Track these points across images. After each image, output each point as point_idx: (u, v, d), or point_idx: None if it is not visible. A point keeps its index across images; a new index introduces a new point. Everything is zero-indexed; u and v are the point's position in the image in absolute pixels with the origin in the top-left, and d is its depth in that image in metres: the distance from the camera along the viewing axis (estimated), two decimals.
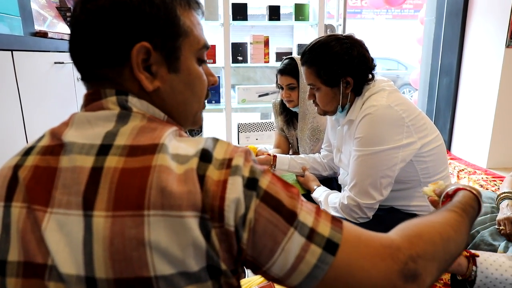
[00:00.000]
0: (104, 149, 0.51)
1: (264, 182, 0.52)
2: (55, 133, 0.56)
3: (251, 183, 0.51)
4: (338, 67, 1.37)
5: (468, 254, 0.99)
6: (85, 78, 0.60)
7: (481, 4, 3.17)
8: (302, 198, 0.56)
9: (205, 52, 0.65)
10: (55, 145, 0.54)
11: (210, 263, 0.49)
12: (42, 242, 0.49)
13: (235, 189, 0.49)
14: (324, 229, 0.53)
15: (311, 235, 0.51)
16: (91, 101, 0.57)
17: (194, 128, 0.71)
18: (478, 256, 0.98)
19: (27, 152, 0.56)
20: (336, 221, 0.55)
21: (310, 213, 0.54)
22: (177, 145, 0.53)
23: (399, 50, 11.51)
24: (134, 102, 0.57)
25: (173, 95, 0.61)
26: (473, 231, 1.38)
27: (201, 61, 0.65)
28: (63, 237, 0.49)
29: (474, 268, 0.95)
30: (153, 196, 0.47)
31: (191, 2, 0.61)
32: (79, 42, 0.57)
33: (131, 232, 0.47)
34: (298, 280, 0.52)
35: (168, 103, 0.61)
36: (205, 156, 0.51)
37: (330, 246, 0.51)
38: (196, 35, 0.61)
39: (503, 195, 1.49)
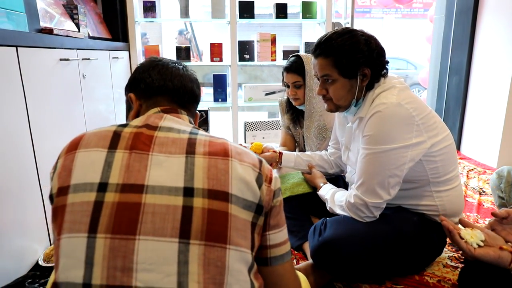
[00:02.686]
0: (193, 132, 0.79)
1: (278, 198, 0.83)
2: (147, 121, 0.80)
3: (279, 191, 0.82)
4: (360, 56, 1.34)
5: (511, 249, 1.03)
6: (177, 102, 0.92)
7: (492, 1, 3.12)
8: None
9: None
10: (149, 125, 0.79)
11: (259, 202, 0.74)
12: (142, 171, 0.70)
13: (277, 182, 0.81)
14: (288, 244, 0.86)
15: (286, 239, 0.85)
16: (169, 111, 0.86)
17: None
18: None
19: (121, 126, 0.78)
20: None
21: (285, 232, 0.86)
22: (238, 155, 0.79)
23: (409, 49, 11.43)
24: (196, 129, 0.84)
25: None
26: None
27: None
28: (162, 169, 0.71)
29: None
30: (233, 152, 0.76)
31: None
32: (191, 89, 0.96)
33: (221, 166, 0.73)
34: (276, 254, 0.81)
35: None
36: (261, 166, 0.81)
37: (290, 253, 0.85)
38: None
39: None
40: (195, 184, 0.70)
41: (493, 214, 1.17)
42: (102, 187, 0.69)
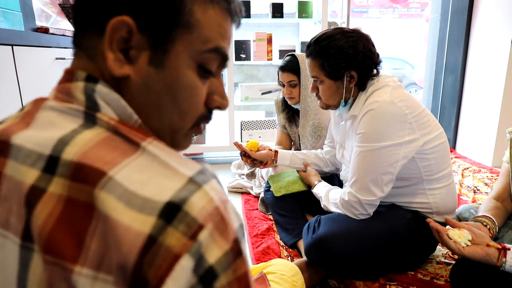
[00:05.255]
0: (52, 164, 0.41)
1: (226, 278, 0.40)
2: (3, 131, 0.45)
3: (207, 277, 0.39)
4: (342, 61, 1.35)
5: (500, 246, 1.05)
6: (74, 42, 0.49)
7: (487, 1, 3.14)
8: None
9: (214, 60, 0.51)
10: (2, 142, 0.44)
11: None
12: None
13: (180, 278, 0.37)
14: None
15: None
16: (64, 81, 0.47)
17: (176, 150, 0.54)
18: (509, 249, 1.03)
19: None
20: None
21: None
22: (136, 177, 0.39)
23: (406, 49, 11.45)
24: (103, 92, 0.46)
25: (144, 94, 0.48)
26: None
27: (205, 71, 0.51)
28: None
29: (504, 259, 1.02)
30: (91, 249, 0.37)
31: None
32: None
33: (62, 286, 0.38)
34: None
35: (137, 101, 0.48)
36: (168, 211, 0.38)
37: None
38: (205, 34, 0.48)
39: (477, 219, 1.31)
40: None
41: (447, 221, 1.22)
42: None
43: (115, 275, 0.37)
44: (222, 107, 0.55)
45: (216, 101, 0.54)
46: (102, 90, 0.46)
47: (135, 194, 0.38)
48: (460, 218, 1.55)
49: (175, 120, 0.51)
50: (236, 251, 0.41)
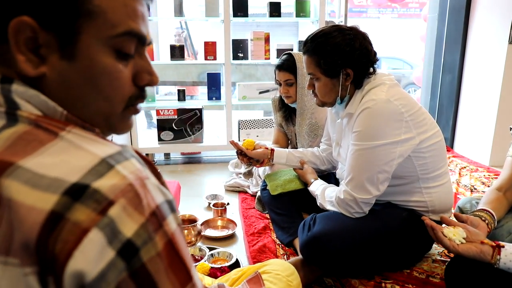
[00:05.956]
0: None
1: (148, 252, 0.41)
2: None
3: (127, 250, 0.39)
4: (338, 58, 1.35)
5: (494, 244, 1.05)
6: None
7: (484, 0, 3.15)
8: (193, 282, 0.46)
9: (130, 42, 0.51)
10: None
11: None
12: None
13: (89, 250, 0.38)
14: None
15: None
16: None
17: (116, 133, 0.56)
18: (503, 246, 1.04)
19: None
20: None
21: None
22: (48, 161, 0.40)
23: (405, 49, 11.45)
24: (20, 91, 0.45)
25: (64, 88, 0.48)
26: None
27: (123, 54, 0.51)
28: None
29: (498, 257, 1.03)
30: None
31: None
32: None
33: None
34: None
35: (59, 96, 0.48)
36: (74, 189, 0.39)
37: None
38: (111, 19, 0.48)
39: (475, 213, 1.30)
40: None
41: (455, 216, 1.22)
42: None
43: (20, 256, 0.37)
44: (151, 83, 0.55)
45: (144, 79, 0.54)
46: (18, 89, 0.45)
47: (44, 176, 0.39)
48: (462, 210, 1.55)
49: (103, 106, 0.51)
50: (155, 224, 0.42)
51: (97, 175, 0.40)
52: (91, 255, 0.38)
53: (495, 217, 1.27)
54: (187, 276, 0.44)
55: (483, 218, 1.24)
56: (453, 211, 1.56)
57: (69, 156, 0.42)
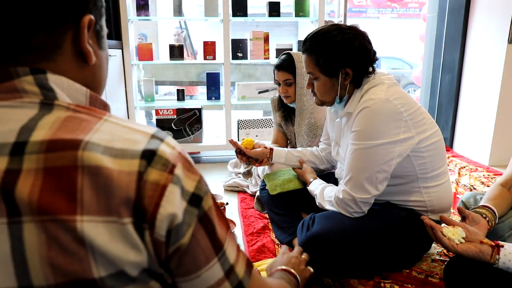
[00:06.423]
0: (18, 148, 0.45)
1: (207, 203, 0.53)
2: None
3: (195, 201, 0.51)
4: (337, 57, 1.35)
5: (494, 243, 1.05)
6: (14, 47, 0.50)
7: (484, 0, 3.15)
8: (231, 230, 0.58)
9: None
10: None
11: (147, 265, 0.49)
12: None
13: (173, 199, 0.48)
14: (240, 270, 0.57)
15: (229, 271, 0.55)
16: None
17: None
18: (502, 246, 1.04)
19: None
20: (249, 265, 0.60)
21: (233, 248, 0.57)
22: (109, 137, 0.48)
23: (405, 49, 11.46)
24: (54, 79, 0.51)
25: (101, 72, 0.61)
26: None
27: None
28: None
29: (497, 257, 1.03)
30: (86, 201, 0.44)
31: None
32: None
33: (67, 238, 0.43)
34: None
35: (97, 79, 0.60)
36: (147, 155, 0.48)
37: None
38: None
39: (477, 210, 1.29)
40: (35, 281, 0.44)
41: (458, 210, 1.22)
42: None
43: (119, 211, 0.45)
44: None
45: None
46: (51, 77, 0.51)
47: (112, 147, 0.47)
48: (466, 205, 1.55)
49: (104, 86, 0.64)
50: (205, 183, 0.54)
51: (156, 145, 0.49)
52: (175, 203, 0.48)
53: (497, 213, 1.27)
54: (227, 225, 0.57)
55: (483, 215, 1.24)
56: (452, 210, 1.56)
57: (123, 133, 0.49)
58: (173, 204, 0.48)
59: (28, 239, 0.43)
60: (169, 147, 0.51)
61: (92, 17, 0.54)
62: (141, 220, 0.46)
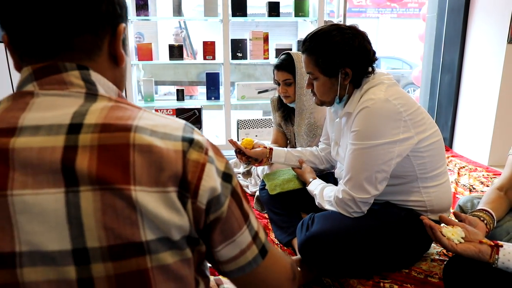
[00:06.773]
0: (74, 128, 0.52)
1: (234, 181, 0.62)
2: (4, 118, 0.52)
3: (227, 178, 0.60)
4: (337, 57, 1.35)
5: (493, 243, 1.05)
6: (42, 50, 0.56)
7: (483, 0, 3.15)
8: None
9: None
10: (4, 129, 0.51)
11: (187, 232, 0.56)
12: (6, 228, 0.49)
13: (212, 175, 0.57)
14: (262, 235, 0.66)
15: (255, 236, 0.64)
16: (47, 74, 0.56)
17: None
18: (502, 246, 1.04)
19: None
20: (266, 233, 0.68)
21: (254, 219, 0.65)
22: (153, 123, 0.56)
23: (404, 49, 11.46)
24: (94, 76, 0.59)
25: (125, 74, 0.69)
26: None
27: None
28: (35, 216, 0.49)
29: (496, 256, 1.03)
30: (138, 174, 0.51)
31: None
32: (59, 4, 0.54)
33: (121, 204, 0.50)
34: (231, 268, 0.63)
35: (122, 80, 0.68)
36: (186, 139, 0.56)
37: (263, 251, 0.65)
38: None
39: (474, 213, 1.29)
40: (88, 242, 0.49)
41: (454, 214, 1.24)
42: None
43: (166, 183, 0.52)
44: None
45: None
46: (92, 74, 0.58)
47: (158, 132, 0.55)
48: (463, 209, 1.55)
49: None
50: (231, 165, 0.62)
51: (190, 132, 0.58)
52: (214, 177, 0.57)
53: (495, 217, 1.27)
54: (248, 200, 0.65)
55: (481, 218, 1.24)
56: (452, 210, 1.56)
57: (162, 121, 0.57)
58: (212, 179, 0.56)
59: (85, 205, 0.49)
60: (199, 135, 0.59)
61: (124, 25, 0.62)
62: (185, 191, 0.54)
